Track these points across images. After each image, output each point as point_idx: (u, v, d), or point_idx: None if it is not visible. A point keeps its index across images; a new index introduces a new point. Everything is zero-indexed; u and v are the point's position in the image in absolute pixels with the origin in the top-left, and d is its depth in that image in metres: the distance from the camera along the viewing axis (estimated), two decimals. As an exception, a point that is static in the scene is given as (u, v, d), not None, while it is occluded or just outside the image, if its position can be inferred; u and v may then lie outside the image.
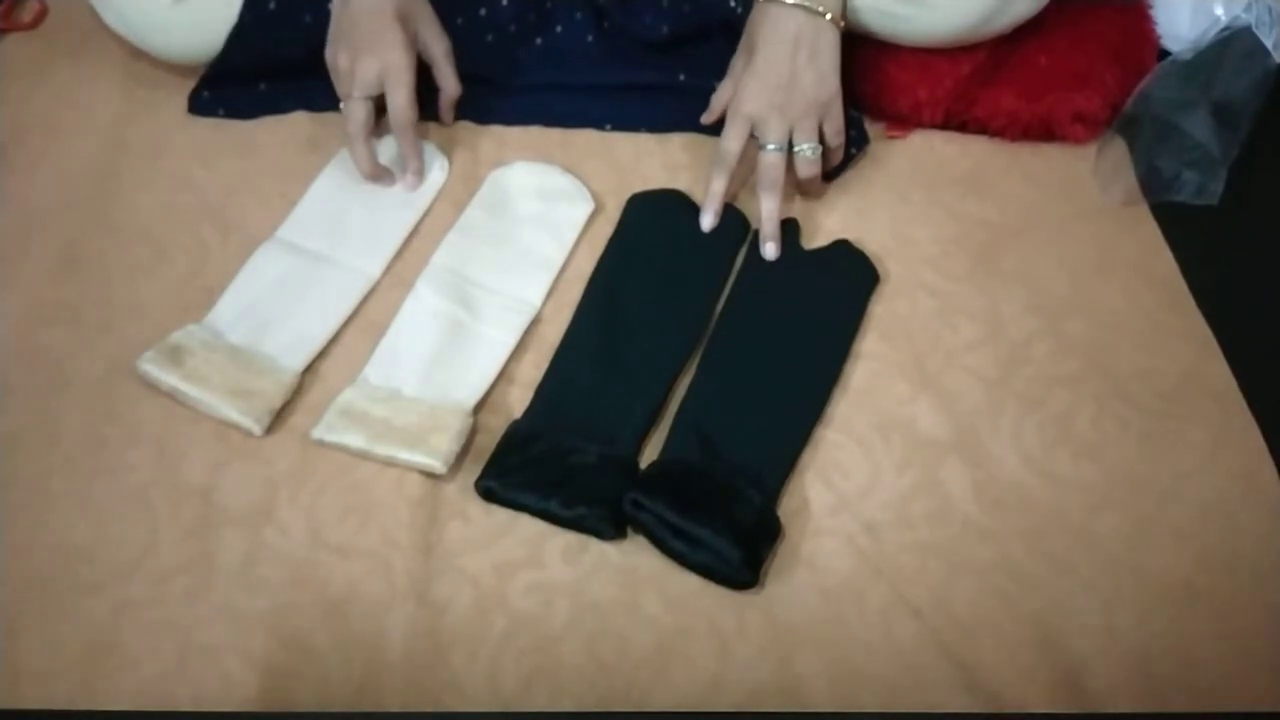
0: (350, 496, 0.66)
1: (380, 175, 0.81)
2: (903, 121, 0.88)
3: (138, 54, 0.88)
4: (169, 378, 0.68)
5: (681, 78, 0.86)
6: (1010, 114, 0.86)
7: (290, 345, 0.72)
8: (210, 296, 0.74)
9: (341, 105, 0.79)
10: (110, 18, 0.85)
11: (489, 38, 0.86)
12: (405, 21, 0.78)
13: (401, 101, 0.78)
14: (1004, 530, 0.66)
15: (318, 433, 0.67)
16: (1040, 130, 0.87)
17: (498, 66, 0.86)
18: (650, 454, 0.68)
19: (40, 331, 0.73)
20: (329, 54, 0.79)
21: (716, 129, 0.79)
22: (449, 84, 0.84)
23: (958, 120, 0.88)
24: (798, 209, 0.82)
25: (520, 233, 0.79)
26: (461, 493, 0.66)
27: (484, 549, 0.64)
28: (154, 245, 0.78)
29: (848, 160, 0.85)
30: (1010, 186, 0.86)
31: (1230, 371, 0.74)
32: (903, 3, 0.80)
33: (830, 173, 0.84)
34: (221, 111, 0.87)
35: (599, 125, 0.88)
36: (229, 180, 0.82)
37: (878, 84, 0.87)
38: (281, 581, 0.62)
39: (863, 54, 0.87)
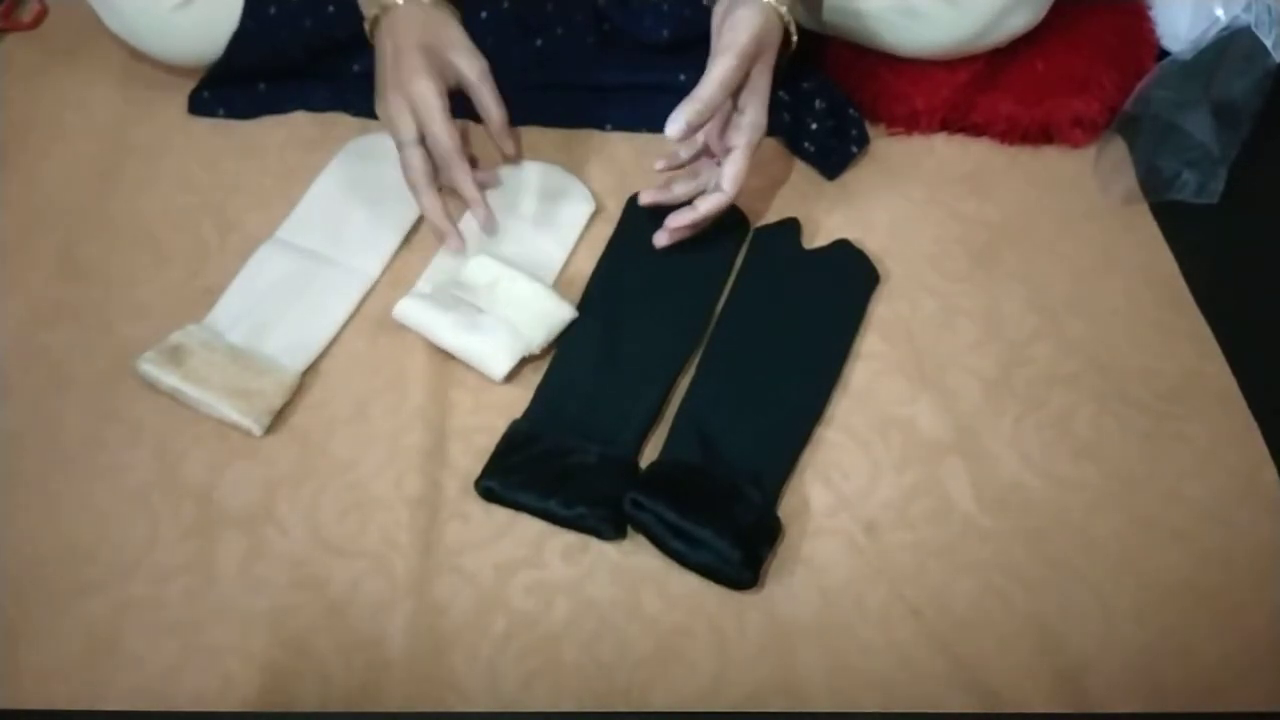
0: (350, 496, 0.66)
1: (448, 232, 0.75)
2: (900, 129, 0.89)
3: (138, 54, 0.88)
4: (169, 378, 0.68)
5: (682, 78, 0.86)
6: (1009, 119, 0.87)
7: (290, 345, 0.72)
8: (210, 296, 0.74)
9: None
10: (111, 21, 0.85)
11: (489, 40, 0.85)
12: (429, 51, 0.73)
13: (437, 131, 0.72)
14: (1004, 530, 0.66)
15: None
16: (1039, 135, 0.88)
17: (498, 68, 0.86)
18: (650, 454, 0.68)
19: (40, 331, 0.73)
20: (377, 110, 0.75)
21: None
22: (490, 109, 0.76)
23: (956, 127, 0.88)
24: (798, 209, 0.82)
25: (521, 232, 0.79)
26: (461, 493, 0.66)
27: (484, 549, 0.64)
28: (154, 245, 0.78)
29: (848, 160, 0.85)
30: (1010, 186, 0.86)
31: (1230, 371, 0.74)
32: (898, 14, 0.80)
33: (830, 172, 0.84)
34: (222, 112, 0.87)
35: (599, 125, 0.88)
36: (229, 180, 0.82)
37: (874, 92, 0.87)
38: (281, 581, 0.62)
39: (859, 62, 0.87)
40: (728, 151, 0.72)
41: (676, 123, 0.67)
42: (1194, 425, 0.71)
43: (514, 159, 0.81)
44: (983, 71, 0.85)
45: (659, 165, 0.78)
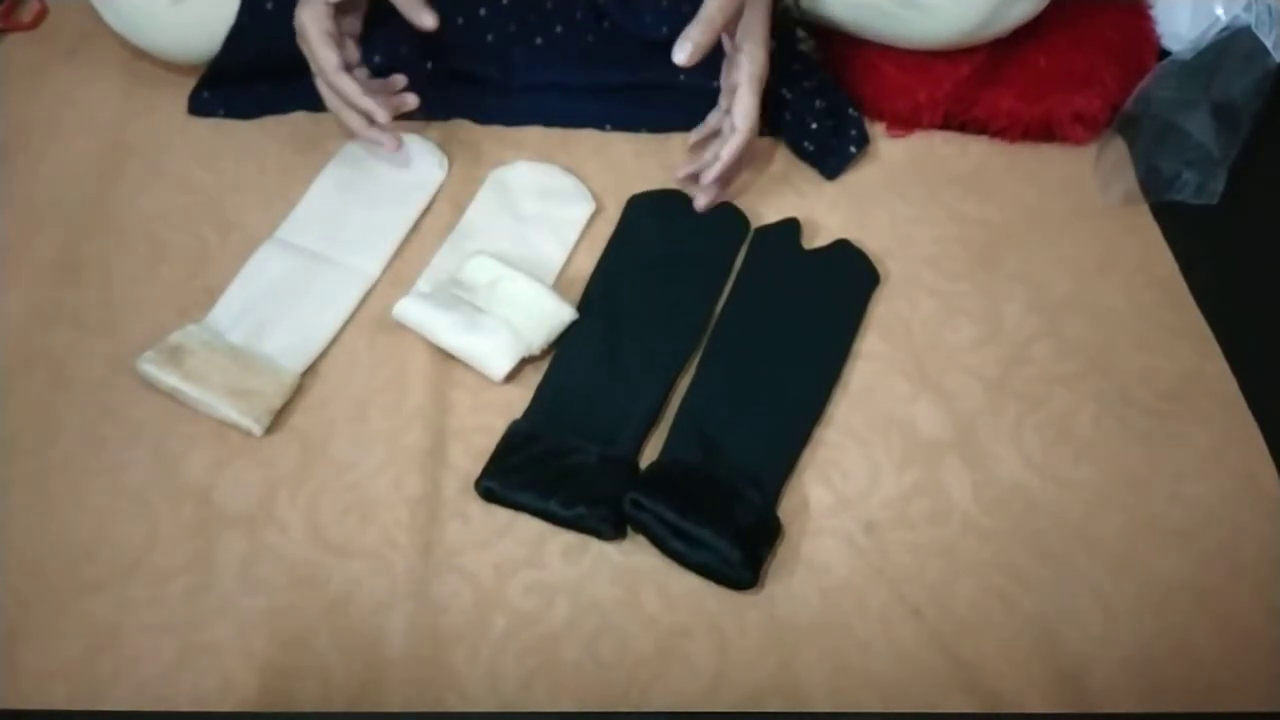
0: (350, 496, 0.66)
1: (377, 139, 0.78)
2: (902, 123, 0.88)
3: (138, 54, 0.88)
4: (169, 378, 0.68)
5: (681, 78, 0.86)
6: (1010, 115, 0.86)
7: (290, 345, 0.72)
8: (210, 296, 0.74)
9: None
10: (110, 17, 0.84)
11: (489, 37, 0.86)
12: None
13: (315, 55, 0.74)
14: (1004, 530, 0.66)
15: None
16: (1040, 131, 0.87)
17: (498, 66, 0.86)
18: (650, 454, 0.68)
19: (40, 331, 0.73)
20: None
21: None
22: (413, 12, 0.75)
23: (957, 122, 0.88)
24: (798, 209, 0.82)
25: (522, 232, 0.79)
26: (461, 493, 0.66)
27: (484, 549, 0.64)
28: (154, 245, 0.78)
29: (847, 160, 0.85)
30: (1010, 186, 0.86)
31: (1230, 371, 0.74)
32: (900, 4, 0.80)
33: (830, 172, 0.84)
34: (221, 111, 0.87)
35: (599, 125, 0.88)
36: (229, 180, 0.82)
37: (876, 86, 0.87)
38: (281, 581, 0.62)
39: (861, 56, 0.87)
40: (733, 91, 0.74)
41: (684, 48, 0.70)
42: (1194, 425, 0.71)
43: (432, 31, 0.77)
44: (985, 65, 0.85)
45: (693, 138, 0.82)
